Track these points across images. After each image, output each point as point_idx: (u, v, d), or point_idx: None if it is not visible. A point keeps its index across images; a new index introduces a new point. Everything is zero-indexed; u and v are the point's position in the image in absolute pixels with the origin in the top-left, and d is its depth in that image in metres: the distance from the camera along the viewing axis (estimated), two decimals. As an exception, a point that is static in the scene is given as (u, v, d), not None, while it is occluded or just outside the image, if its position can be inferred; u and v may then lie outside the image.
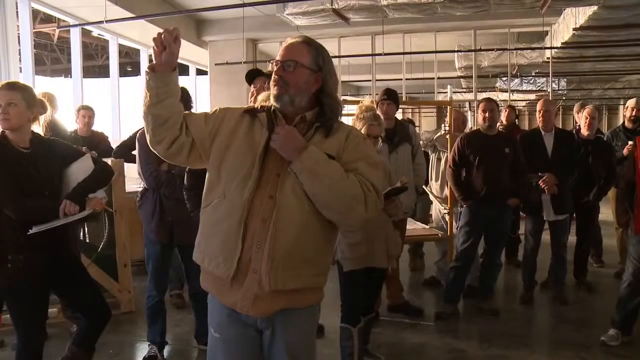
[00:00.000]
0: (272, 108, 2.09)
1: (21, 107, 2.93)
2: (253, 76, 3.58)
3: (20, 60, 8.00)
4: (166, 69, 1.96)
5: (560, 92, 18.28)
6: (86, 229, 5.03)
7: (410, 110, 22.71)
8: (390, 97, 4.81)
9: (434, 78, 14.32)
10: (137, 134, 3.93)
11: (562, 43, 10.79)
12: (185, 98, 3.93)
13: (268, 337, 2.11)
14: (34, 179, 2.94)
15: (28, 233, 2.82)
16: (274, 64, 2.09)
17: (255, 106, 2.16)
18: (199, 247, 2.13)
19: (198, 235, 2.15)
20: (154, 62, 1.96)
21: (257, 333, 2.12)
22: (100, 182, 3.22)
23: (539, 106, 5.34)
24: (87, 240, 5.13)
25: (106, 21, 8.26)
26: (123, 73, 13.93)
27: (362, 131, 3.33)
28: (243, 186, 2.00)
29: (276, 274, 1.98)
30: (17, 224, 2.85)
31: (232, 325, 2.10)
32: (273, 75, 2.08)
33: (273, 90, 2.06)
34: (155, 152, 2.10)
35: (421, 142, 6.32)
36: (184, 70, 15.33)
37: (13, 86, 2.99)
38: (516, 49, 13.34)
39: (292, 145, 1.97)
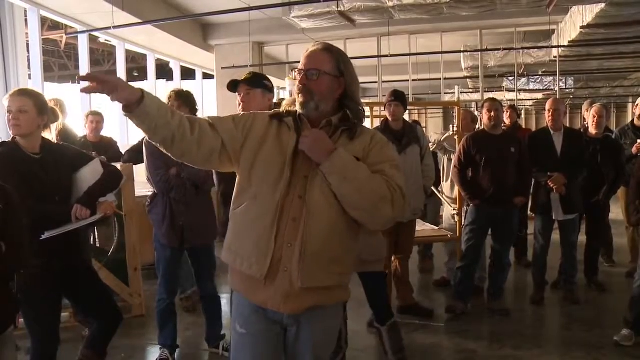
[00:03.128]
0: (298, 113, 2.15)
1: (32, 114, 2.95)
2: (235, 86, 3.56)
3: (29, 67, 8.05)
4: (133, 104, 1.91)
5: (567, 91, 18.22)
6: (96, 233, 5.06)
7: (416, 112, 22.69)
8: (398, 98, 4.80)
9: (440, 79, 14.31)
10: (145, 140, 3.94)
11: (569, 41, 10.76)
12: (190, 102, 3.95)
13: (293, 334, 2.17)
14: (45, 185, 2.96)
15: (41, 238, 2.84)
16: (297, 72, 2.16)
17: (281, 111, 2.22)
18: (230, 248, 2.17)
19: (229, 237, 2.20)
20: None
21: (282, 330, 2.17)
22: (110, 186, 3.24)
23: (548, 105, 5.31)
24: (98, 245, 5.17)
25: (114, 27, 8.30)
26: (130, 78, 14.00)
27: None
28: (275, 188, 2.06)
29: (307, 271, 2.04)
30: (29, 230, 2.87)
31: (259, 321, 2.15)
32: (297, 84, 2.15)
33: (299, 98, 2.13)
34: (190, 164, 2.19)
35: (430, 143, 6.32)
36: (190, 74, 15.40)
37: (24, 93, 3.02)
38: (522, 48, 13.31)
39: (321, 147, 2.04)
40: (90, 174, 3.15)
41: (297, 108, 2.15)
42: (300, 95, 2.13)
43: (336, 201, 2.05)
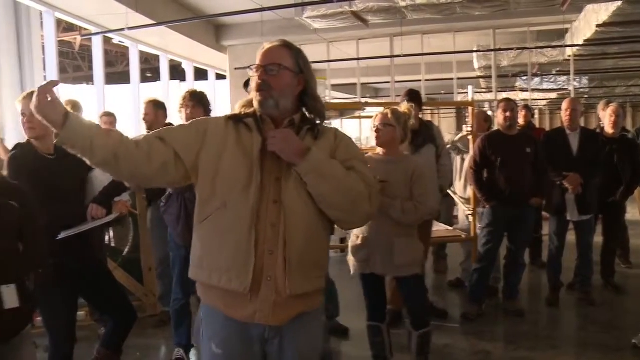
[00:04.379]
0: (259, 114, 2.04)
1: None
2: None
3: (44, 69, 8.13)
4: (59, 128, 1.85)
5: (581, 90, 18.07)
6: (111, 233, 5.10)
7: (429, 112, 22.61)
8: (413, 98, 4.78)
9: (453, 79, 14.25)
10: None
11: (584, 40, 10.67)
12: (204, 102, 3.97)
13: (276, 347, 2.04)
14: (59, 185, 2.98)
15: (57, 238, 2.86)
16: (255, 69, 2.05)
17: (239, 112, 2.09)
18: (201, 263, 2.02)
19: (197, 252, 2.05)
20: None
21: (261, 348, 2.04)
22: (122, 185, 3.26)
23: (565, 105, 5.27)
24: (113, 245, 5.20)
25: (128, 28, 8.36)
26: (143, 79, 14.08)
27: None
28: (246, 194, 1.94)
29: (293, 278, 1.95)
30: (45, 230, 2.89)
31: (238, 341, 2.02)
32: (256, 81, 2.03)
33: (257, 96, 2.02)
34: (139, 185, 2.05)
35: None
36: (203, 75, 15.46)
37: (33, 95, 3.04)
38: (536, 47, 13.22)
39: (293, 147, 1.95)
40: (104, 174, 3.17)
41: (255, 106, 2.04)
42: (258, 93, 2.01)
43: (312, 202, 1.97)
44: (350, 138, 2.17)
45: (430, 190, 3.72)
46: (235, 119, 2.05)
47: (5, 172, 3.74)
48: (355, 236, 3.55)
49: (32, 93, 3.03)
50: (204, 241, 2.03)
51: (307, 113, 2.10)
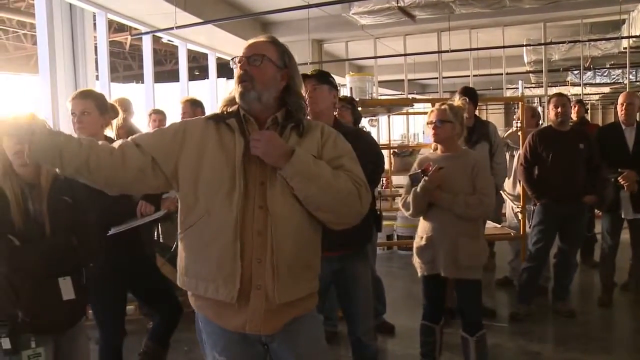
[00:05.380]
0: (242, 113, 1.97)
1: (94, 115, 3.06)
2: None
3: (96, 69, 8.35)
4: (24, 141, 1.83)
5: (638, 83, 17.44)
6: (160, 229, 5.19)
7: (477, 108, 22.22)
8: (467, 95, 4.71)
9: (502, 74, 13.97)
10: None
11: (642, 31, 10.28)
12: None
13: (276, 350, 2.02)
14: None
15: (108, 234, 2.93)
16: (237, 60, 1.99)
17: (220, 112, 2.02)
18: (187, 272, 1.97)
19: (182, 261, 2.00)
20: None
21: (264, 347, 2.03)
22: None
23: (621, 99, 5.09)
24: (161, 240, 5.30)
25: (176, 27, 8.49)
26: (191, 77, 14.30)
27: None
28: (229, 200, 1.87)
29: (283, 286, 1.89)
30: (97, 226, 2.96)
31: (239, 345, 1.98)
32: (238, 71, 1.97)
33: (238, 88, 1.95)
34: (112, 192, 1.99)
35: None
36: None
37: (86, 95, 3.12)
38: (589, 40, 12.80)
39: (277, 150, 1.87)
40: None
41: (237, 99, 1.96)
42: (240, 84, 1.94)
43: (300, 205, 1.91)
44: (338, 134, 2.09)
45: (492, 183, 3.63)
46: (215, 119, 1.97)
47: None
48: (419, 237, 3.48)
49: (81, 93, 3.13)
50: (188, 250, 1.97)
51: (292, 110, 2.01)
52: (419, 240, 3.48)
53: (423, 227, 3.46)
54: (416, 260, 3.50)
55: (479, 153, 4.43)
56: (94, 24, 8.57)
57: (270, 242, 1.88)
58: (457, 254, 3.29)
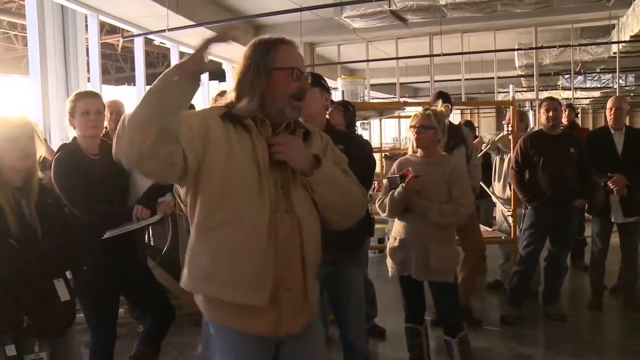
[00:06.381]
0: (260, 116, 1.90)
1: (103, 115, 3.11)
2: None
3: (88, 71, 8.33)
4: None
5: (627, 88, 17.58)
6: (151, 232, 5.18)
7: (468, 112, 22.32)
8: (445, 99, 4.72)
9: (493, 78, 14.05)
10: None
11: (631, 36, 10.35)
12: None
13: (286, 354, 2.00)
14: (104, 185, 3.03)
15: (103, 237, 2.92)
16: (300, 74, 1.93)
17: (236, 112, 1.91)
18: (209, 278, 1.87)
19: (204, 264, 1.89)
20: (194, 66, 1.77)
21: (277, 350, 2.01)
22: (168, 186, 3.30)
23: (610, 103, 5.12)
24: (152, 243, 5.29)
25: (168, 30, 8.49)
26: (184, 80, 14.28)
27: None
28: (260, 204, 1.84)
29: (311, 286, 1.96)
30: (91, 228, 2.95)
31: (256, 349, 1.94)
32: (301, 86, 1.93)
33: (298, 104, 1.92)
34: (137, 171, 1.82)
35: (484, 144, 6.21)
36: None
37: (96, 94, 3.15)
38: (580, 45, 12.92)
39: (304, 156, 1.89)
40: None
41: (290, 114, 1.91)
42: (299, 101, 1.92)
43: (315, 208, 1.95)
44: (329, 138, 2.12)
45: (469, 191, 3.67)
46: (230, 119, 1.88)
47: (51, 173, 3.84)
48: (393, 238, 3.52)
49: (92, 92, 3.13)
50: (211, 256, 1.87)
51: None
52: (392, 242, 3.53)
53: (397, 229, 3.51)
54: (388, 261, 3.55)
55: (457, 160, 4.47)
56: (86, 26, 8.55)
57: (300, 245, 1.90)
58: (428, 257, 3.33)
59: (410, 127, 3.51)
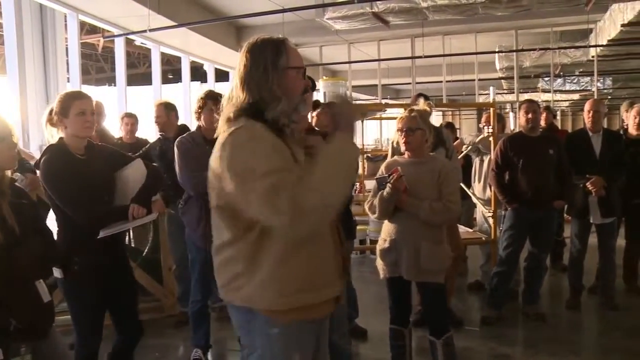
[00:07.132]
0: (292, 125, 1.94)
1: (94, 115, 3.07)
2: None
3: (68, 71, 8.24)
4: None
5: (605, 91, 17.82)
6: (131, 233, 5.14)
7: (450, 113, 22.47)
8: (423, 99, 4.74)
9: (474, 80, 14.15)
10: (176, 141, 3.94)
11: (608, 40, 10.53)
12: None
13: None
14: (93, 185, 2.99)
15: (98, 237, 2.89)
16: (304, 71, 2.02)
17: (282, 122, 1.93)
18: (306, 286, 1.91)
19: (297, 275, 1.90)
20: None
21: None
22: (158, 185, 3.30)
23: (587, 106, 5.19)
24: (132, 245, 5.25)
25: (149, 30, 8.43)
26: (164, 80, 14.19)
27: None
28: None
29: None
30: (83, 228, 2.92)
31: (315, 341, 2.06)
32: (306, 84, 2.02)
33: (308, 100, 2.06)
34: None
35: (464, 145, 6.25)
36: (224, 76, 15.54)
37: (90, 96, 3.10)
38: (559, 48, 13.08)
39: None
40: (134, 173, 3.18)
41: (302, 111, 1.98)
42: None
43: None
44: None
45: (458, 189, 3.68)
46: (275, 129, 1.89)
47: (31, 175, 3.79)
48: (383, 239, 3.51)
49: (84, 92, 3.12)
50: (306, 263, 1.90)
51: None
52: (382, 243, 3.51)
53: (387, 230, 3.50)
54: (379, 263, 3.53)
55: (445, 159, 4.49)
56: (65, 25, 8.46)
57: (339, 231, 2.06)
58: (419, 257, 3.33)
59: (397, 130, 3.51)
